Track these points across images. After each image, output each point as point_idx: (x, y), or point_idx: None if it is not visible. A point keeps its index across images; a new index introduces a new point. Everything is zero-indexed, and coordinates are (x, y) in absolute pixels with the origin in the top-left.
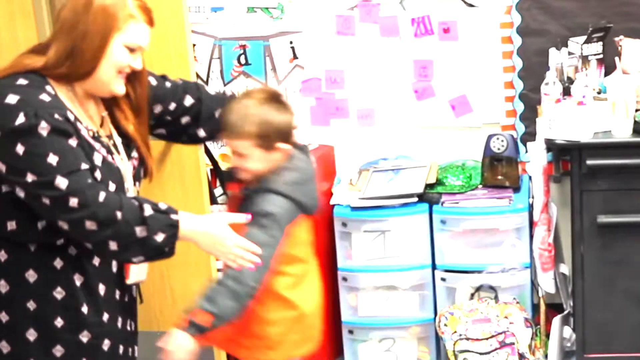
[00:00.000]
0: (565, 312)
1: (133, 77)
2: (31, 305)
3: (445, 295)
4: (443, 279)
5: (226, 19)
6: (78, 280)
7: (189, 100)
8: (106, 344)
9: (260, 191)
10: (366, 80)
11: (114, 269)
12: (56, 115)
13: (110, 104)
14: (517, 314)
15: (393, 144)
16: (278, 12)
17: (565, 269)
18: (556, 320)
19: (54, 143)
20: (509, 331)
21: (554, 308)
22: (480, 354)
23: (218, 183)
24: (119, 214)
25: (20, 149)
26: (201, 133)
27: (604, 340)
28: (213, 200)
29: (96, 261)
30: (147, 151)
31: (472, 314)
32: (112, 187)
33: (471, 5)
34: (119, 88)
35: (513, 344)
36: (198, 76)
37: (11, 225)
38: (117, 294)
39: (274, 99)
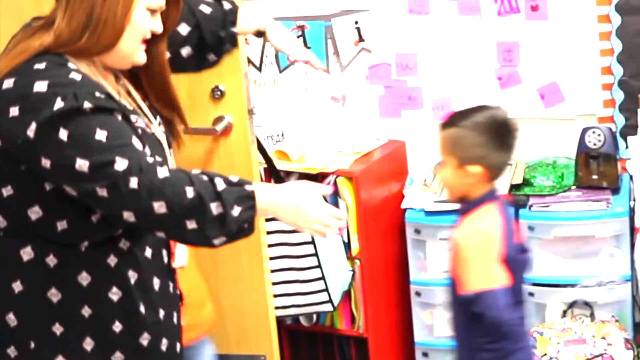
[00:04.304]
0: None
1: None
2: (86, 311)
3: (534, 312)
4: (531, 294)
5: None
6: (132, 277)
7: (184, 29)
8: (164, 344)
9: None
10: (442, 66)
11: (165, 259)
12: (97, 94)
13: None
14: (616, 334)
15: None
16: None
17: None
18: None
19: (100, 120)
20: (607, 354)
21: None
22: None
23: (273, 183)
24: (189, 191)
25: (63, 134)
26: (211, 57)
27: None
28: None
29: (148, 252)
30: (172, 112)
31: (564, 334)
32: (158, 160)
33: None
34: (142, 57)
35: None
36: (250, 61)
37: (62, 225)
38: (171, 286)
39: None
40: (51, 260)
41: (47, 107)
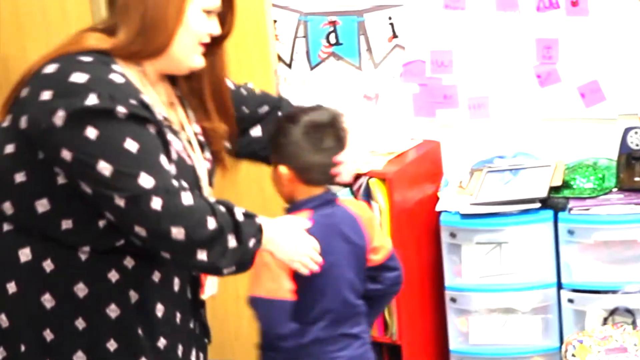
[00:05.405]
0: None
1: (209, 52)
2: (80, 323)
3: (573, 319)
4: (570, 301)
5: None
6: (133, 297)
7: (264, 109)
8: None
9: None
10: (479, 63)
11: (176, 287)
12: (132, 101)
13: (181, 88)
14: None
15: (511, 139)
16: None
17: None
18: None
19: (132, 129)
20: None
21: None
22: None
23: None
24: (211, 221)
25: (91, 132)
26: None
27: None
28: None
29: (156, 276)
30: (222, 145)
31: (605, 342)
32: (184, 185)
33: None
34: (199, 61)
35: None
36: (280, 58)
37: (67, 224)
38: (179, 317)
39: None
40: (48, 265)
41: (79, 98)
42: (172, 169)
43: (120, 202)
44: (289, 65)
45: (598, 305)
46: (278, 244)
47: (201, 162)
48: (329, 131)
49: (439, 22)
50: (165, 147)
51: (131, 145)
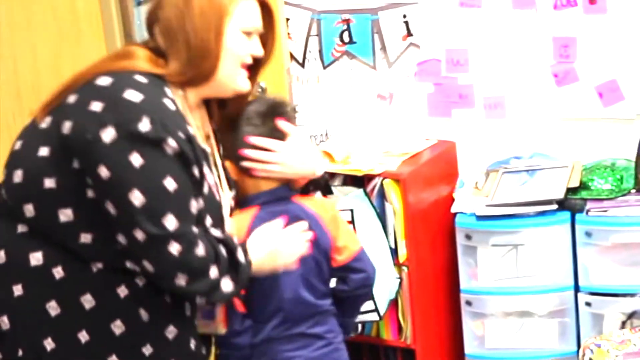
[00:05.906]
0: None
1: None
2: (83, 336)
3: (591, 323)
4: (588, 304)
5: None
6: (143, 315)
7: None
8: None
9: None
10: (495, 62)
11: (187, 312)
12: (180, 134)
13: (216, 119)
14: None
15: (527, 140)
16: None
17: None
18: None
19: (176, 168)
20: None
21: None
22: None
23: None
24: (213, 270)
25: (136, 159)
26: None
27: None
28: None
29: (168, 297)
30: None
31: (623, 347)
32: (208, 221)
33: None
34: (244, 83)
35: None
36: (292, 57)
37: (85, 238)
38: (193, 343)
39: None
40: (58, 272)
41: (132, 120)
42: (200, 203)
43: (140, 235)
44: (302, 64)
45: (616, 308)
46: (271, 265)
47: (227, 200)
48: (266, 120)
49: (455, 20)
50: (201, 180)
51: (170, 184)
